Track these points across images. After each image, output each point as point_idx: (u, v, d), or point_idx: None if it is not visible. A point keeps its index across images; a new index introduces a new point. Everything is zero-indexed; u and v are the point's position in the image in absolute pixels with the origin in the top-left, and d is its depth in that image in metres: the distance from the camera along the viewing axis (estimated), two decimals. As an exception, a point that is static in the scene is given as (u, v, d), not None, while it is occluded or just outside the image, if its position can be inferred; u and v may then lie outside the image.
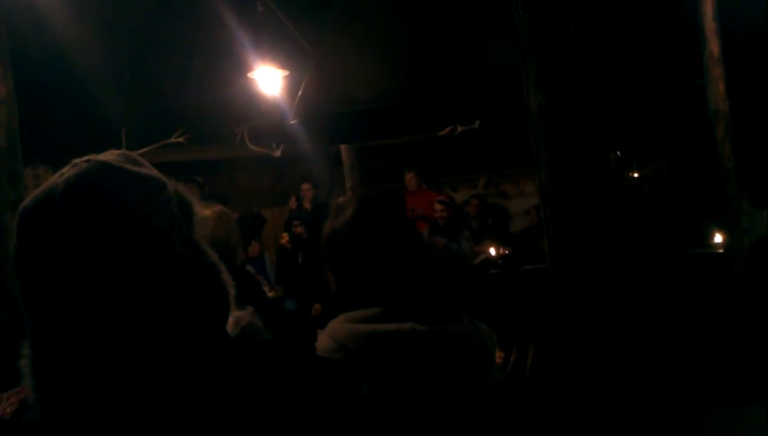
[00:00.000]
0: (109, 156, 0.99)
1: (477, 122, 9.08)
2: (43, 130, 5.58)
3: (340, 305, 1.54)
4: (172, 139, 8.38)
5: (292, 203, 8.84)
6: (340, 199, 1.69)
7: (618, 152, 9.87)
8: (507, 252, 7.08)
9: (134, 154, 1.03)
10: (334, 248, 1.61)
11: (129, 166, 0.98)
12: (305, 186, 8.66)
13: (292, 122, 8.30)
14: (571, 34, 3.46)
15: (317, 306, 7.35)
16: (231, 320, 1.07)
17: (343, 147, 9.14)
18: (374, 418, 1.32)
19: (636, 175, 10.56)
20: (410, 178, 8.81)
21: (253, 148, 9.11)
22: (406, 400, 1.40)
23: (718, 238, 6.23)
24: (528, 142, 3.76)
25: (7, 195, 4.28)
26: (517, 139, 9.06)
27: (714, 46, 5.26)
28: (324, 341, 1.47)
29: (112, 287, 0.90)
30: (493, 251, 7.07)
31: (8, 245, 4.23)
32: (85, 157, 0.98)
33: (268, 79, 6.84)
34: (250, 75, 6.78)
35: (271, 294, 6.60)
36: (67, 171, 0.96)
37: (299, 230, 7.86)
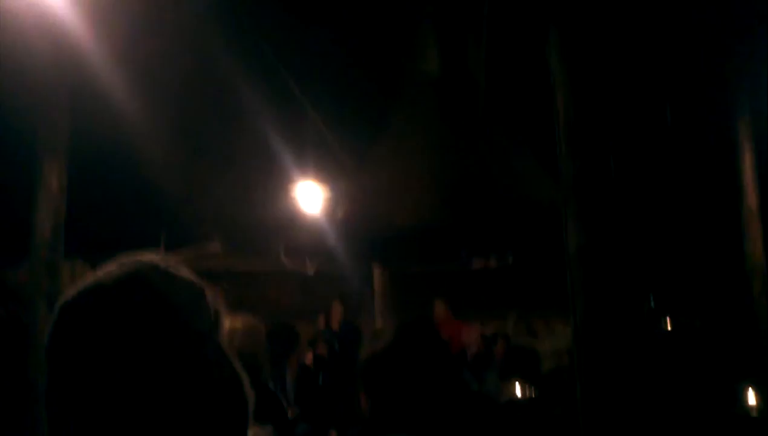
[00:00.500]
0: (153, 258, 1.01)
1: (510, 258, 9.07)
2: (83, 226, 5.68)
3: (372, 430, 1.52)
4: (208, 247, 8.48)
5: (321, 323, 8.80)
6: (378, 326, 1.71)
7: (651, 302, 9.70)
8: (534, 394, 6.87)
9: (173, 259, 1.04)
10: (370, 370, 1.61)
11: (172, 270, 1.00)
12: (336, 307, 8.64)
13: (329, 239, 8.38)
14: (613, 175, 3.47)
15: (333, 434, 7.14)
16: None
17: (376, 270, 9.16)
18: None
19: (669, 327, 10.33)
20: (440, 308, 8.73)
21: (287, 263, 9.17)
22: None
23: (752, 398, 6.00)
24: (560, 281, 3.71)
25: (43, 285, 4.36)
26: (550, 277, 9.04)
27: (752, 200, 5.21)
28: None
29: (146, 385, 0.89)
30: (519, 392, 6.88)
31: (39, 335, 4.28)
32: (131, 257, 1.00)
33: (309, 196, 6.97)
34: (290, 189, 6.92)
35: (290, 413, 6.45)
36: (112, 268, 0.97)
37: (322, 350, 7.77)
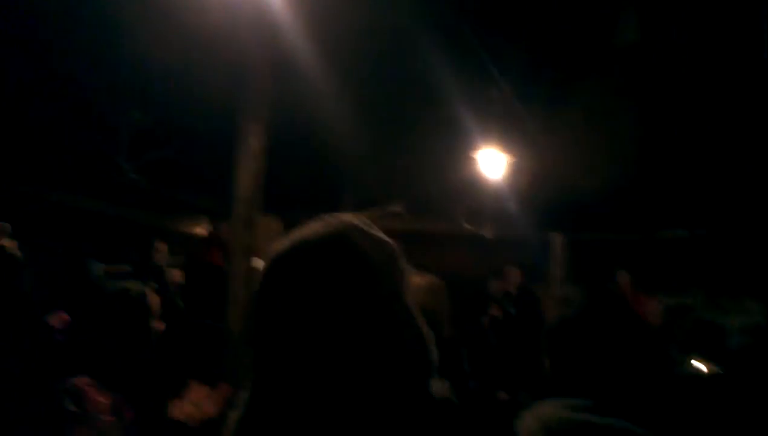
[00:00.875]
0: (353, 218, 1.08)
1: (702, 232, 8.62)
2: (275, 182, 6.07)
3: (552, 390, 1.54)
4: (392, 208, 8.73)
5: (498, 286, 8.83)
6: (568, 290, 1.70)
7: None
8: (717, 371, 6.56)
9: (368, 220, 1.10)
10: (558, 335, 1.63)
11: (370, 230, 1.06)
12: (513, 270, 8.62)
13: (510, 206, 8.35)
14: None
15: (503, 394, 7.18)
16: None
17: (554, 236, 9.04)
18: None
19: None
20: (624, 279, 8.47)
21: (467, 226, 9.25)
22: None
23: None
24: (756, 257, 3.52)
25: (242, 239, 4.72)
26: (744, 252, 8.48)
27: None
28: (529, 421, 1.47)
29: (343, 335, 0.96)
30: (702, 367, 6.59)
31: (237, 285, 4.64)
32: (333, 216, 1.08)
33: (491, 161, 6.99)
34: (473, 155, 6.95)
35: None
36: (318, 226, 1.05)
37: (497, 312, 7.80)
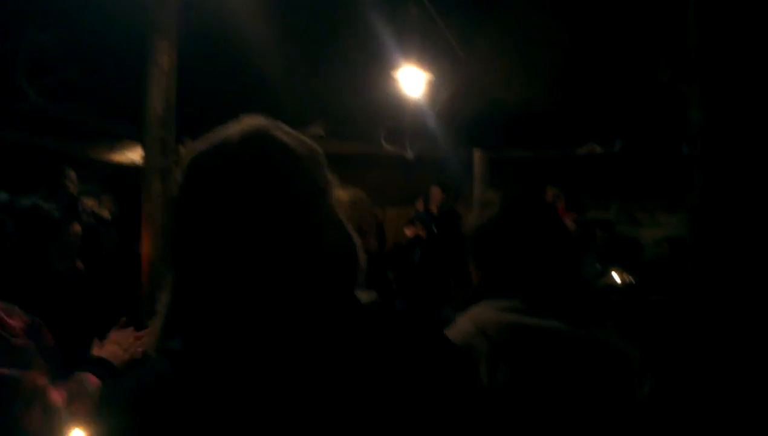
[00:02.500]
0: (273, 121, 1.05)
1: (618, 144, 8.81)
2: (192, 105, 5.86)
3: (482, 296, 1.53)
4: (311, 130, 8.60)
5: (419, 205, 8.88)
6: (488, 195, 1.68)
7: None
8: (632, 281, 6.83)
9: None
10: (481, 239, 1.60)
11: (292, 131, 1.05)
12: (435, 190, 8.67)
13: (430, 124, 8.33)
14: (744, 52, 3.26)
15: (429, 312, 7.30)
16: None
17: (476, 154, 9.09)
18: (502, 408, 1.30)
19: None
20: (551, 195, 8.63)
21: (388, 147, 9.22)
22: (540, 395, 1.37)
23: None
24: (670, 170, 3.59)
25: (156, 162, 4.55)
26: (657, 167, 8.75)
27: None
28: (464, 324, 1.47)
29: (266, 233, 0.93)
30: (617, 278, 6.84)
31: (152, 209, 4.50)
32: (250, 116, 1.05)
33: (411, 80, 6.90)
34: (393, 74, 6.86)
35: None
36: (236, 125, 1.02)
37: (420, 230, 7.87)
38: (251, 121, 1.03)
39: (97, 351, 2.27)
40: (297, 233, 0.95)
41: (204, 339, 0.95)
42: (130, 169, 10.01)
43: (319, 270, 0.97)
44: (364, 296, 1.60)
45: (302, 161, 1.00)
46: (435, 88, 7.40)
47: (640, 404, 1.50)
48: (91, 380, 2.11)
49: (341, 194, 2.72)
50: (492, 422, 1.07)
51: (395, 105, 7.78)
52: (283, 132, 1.03)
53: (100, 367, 2.20)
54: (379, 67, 7.15)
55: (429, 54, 6.85)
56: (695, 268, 3.23)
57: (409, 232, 8.01)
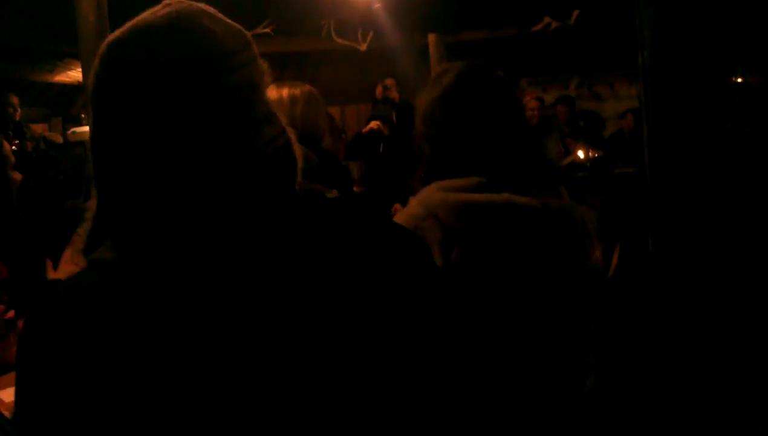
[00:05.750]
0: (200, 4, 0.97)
1: (573, 17, 8.62)
2: (129, 13, 5.61)
3: (434, 176, 1.48)
4: (259, 30, 8.33)
5: (379, 92, 8.71)
6: (440, 68, 1.61)
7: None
8: (597, 155, 6.84)
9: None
10: (432, 113, 1.54)
11: (223, 18, 0.97)
12: (389, 81, 8.49)
13: (379, 12, 8.08)
14: None
15: (397, 205, 7.26)
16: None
17: (431, 39, 8.89)
18: (459, 290, 1.27)
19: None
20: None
21: (339, 41, 8.97)
22: (498, 273, 1.34)
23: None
24: (627, 40, 3.52)
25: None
26: (615, 38, 8.63)
27: None
28: (413, 208, 1.43)
29: (195, 132, 0.87)
30: (581, 154, 6.85)
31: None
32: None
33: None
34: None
35: (355, 189, 6.55)
36: (160, 9, 0.93)
37: (379, 125, 7.72)
38: (176, 6, 0.93)
39: (52, 274, 2.20)
40: (230, 130, 0.89)
41: (133, 244, 0.89)
42: (77, 88, 9.67)
43: (255, 168, 0.91)
44: (327, 193, 1.51)
45: (232, 52, 0.92)
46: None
47: (593, 270, 1.50)
48: None
49: (293, 91, 2.63)
50: (448, 305, 1.02)
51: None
52: (214, 20, 0.94)
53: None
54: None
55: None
56: (651, 133, 3.22)
57: (372, 124, 7.86)
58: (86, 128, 8.29)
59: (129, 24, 0.93)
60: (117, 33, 0.92)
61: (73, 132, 8.97)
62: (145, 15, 0.93)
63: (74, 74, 9.45)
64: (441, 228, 1.36)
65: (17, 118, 6.80)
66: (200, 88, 0.87)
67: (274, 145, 0.95)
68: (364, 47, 9.03)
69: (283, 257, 0.88)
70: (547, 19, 8.67)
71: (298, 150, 1.00)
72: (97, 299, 0.87)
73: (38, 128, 8.49)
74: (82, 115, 9.90)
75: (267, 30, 8.27)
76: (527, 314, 1.36)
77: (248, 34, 0.99)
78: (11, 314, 2.02)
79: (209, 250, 0.87)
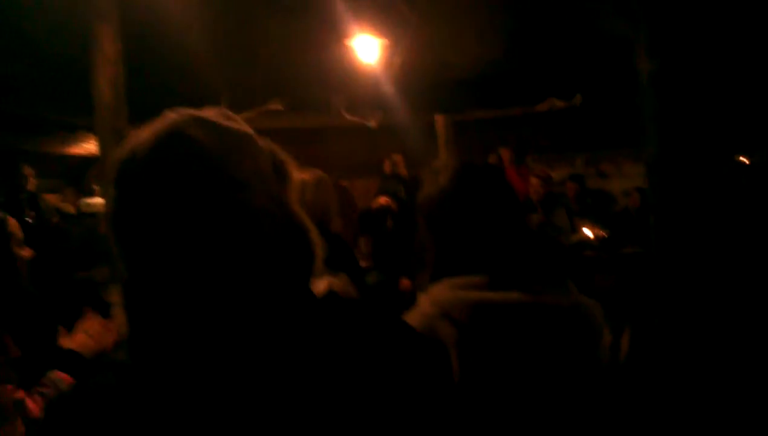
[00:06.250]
0: (203, 112, 1.02)
1: (578, 97, 8.79)
2: (146, 92, 5.73)
3: (441, 273, 1.49)
4: (270, 107, 8.49)
5: (387, 168, 8.81)
6: (438, 165, 1.64)
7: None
8: (604, 235, 6.85)
9: (230, 112, 1.04)
10: (433, 212, 1.57)
11: (218, 120, 1.00)
12: (397, 157, 8.61)
13: (389, 91, 8.24)
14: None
15: (406, 281, 7.25)
16: (323, 284, 1.04)
17: (438, 118, 9.04)
18: (471, 391, 1.27)
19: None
20: (504, 154, 8.63)
21: (349, 117, 9.13)
22: (511, 369, 1.35)
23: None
24: (631, 120, 3.58)
25: (111, 151, 4.45)
26: (619, 118, 8.76)
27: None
28: (426, 306, 1.44)
29: (195, 237, 0.90)
30: (589, 233, 6.86)
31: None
32: (173, 110, 1.01)
33: (366, 48, 6.81)
34: (347, 42, 6.76)
35: (363, 263, 6.56)
36: (155, 123, 0.99)
37: (388, 201, 7.79)
38: (164, 121, 0.98)
39: (65, 342, 2.21)
40: (227, 233, 0.91)
41: (148, 349, 0.92)
42: (90, 160, 9.81)
43: (262, 267, 0.93)
44: (333, 280, 1.53)
45: (221, 158, 0.95)
46: (390, 54, 7.33)
47: (604, 364, 1.50)
48: (63, 378, 2.06)
49: (303, 177, 2.68)
50: (463, 408, 1.03)
51: (352, 74, 7.69)
52: (201, 126, 0.97)
53: (70, 360, 2.14)
54: (333, 36, 7.04)
55: (382, 19, 6.76)
56: (658, 221, 3.24)
57: (381, 200, 7.92)
58: (98, 199, 8.38)
59: (129, 143, 0.98)
60: (125, 150, 0.97)
61: (86, 203, 9.06)
62: (136, 134, 0.99)
63: (88, 146, 9.59)
64: (455, 326, 1.37)
65: (32, 189, 6.90)
66: (189, 200, 0.91)
67: (282, 241, 0.96)
68: (373, 124, 9.18)
69: (296, 363, 0.89)
70: (552, 100, 8.83)
71: (317, 241, 1.01)
72: (110, 401, 0.90)
73: (51, 199, 8.57)
74: (95, 187, 10.02)
75: (278, 106, 8.43)
76: (540, 410, 1.36)
77: (247, 131, 1.02)
78: (20, 393, 2.01)
79: (223, 357, 0.88)
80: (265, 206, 0.96)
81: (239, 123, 1.03)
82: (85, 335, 2.23)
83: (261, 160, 1.01)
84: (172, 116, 0.99)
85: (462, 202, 1.53)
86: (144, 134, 0.97)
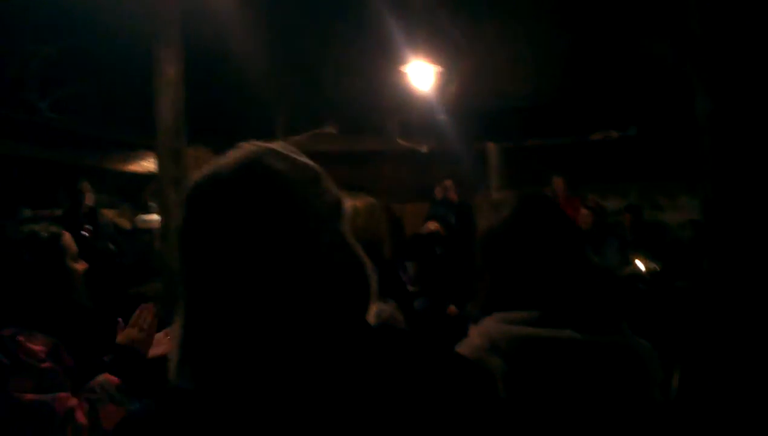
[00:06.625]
0: (271, 143, 1.04)
1: (633, 129, 8.70)
2: (204, 113, 5.86)
3: (494, 305, 1.49)
4: (324, 130, 8.60)
5: (438, 193, 8.81)
6: (498, 196, 1.64)
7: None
8: (657, 268, 6.72)
9: (292, 146, 1.06)
10: (492, 244, 1.56)
11: (293, 154, 1.03)
12: (448, 183, 8.61)
13: (442, 117, 8.28)
14: (745, 37, 3.20)
15: (452, 308, 7.22)
16: (373, 312, 1.06)
17: (490, 146, 9.03)
18: (519, 423, 1.27)
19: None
20: (558, 184, 8.54)
21: (402, 142, 9.18)
22: (559, 408, 1.34)
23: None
24: (687, 153, 3.53)
25: (169, 172, 4.56)
26: (674, 150, 8.63)
27: None
28: (476, 338, 1.44)
29: (267, 264, 0.92)
30: (642, 266, 6.74)
31: (169, 219, 4.54)
32: (250, 142, 1.03)
33: (421, 74, 6.87)
34: (402, 69, 6.82)
35: (410, 288, 6.55)
36: (234, 153, 1.01)
37: (437, 227, 7.78)
38: (246, 150, 1.02)
39: (119, 338, 2.29)
40: (296, 262, 0.94)
41: (212, 373, 0.94)
42: (147, 177, 10.03)
43: (326, 298, 0.95)
44: (382, 307, 1.55)
45: (297, 189, 0.98)
46: (445, 81, 7.37)
47: (657, 405, 1.47)
48: (111, 381, 2.13)
49: (355, 204, 2.72)
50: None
51: (407, 99, 7.75)
52: (279, 157, 1.01)
53: (122, 357, 2.21)
54: (388, 62, 7.12)
55: (437, 46, 6.81)
56: (713, 258, 3.19)
57: (430, 225, 7.92)
58: (154, 216, 8.57)
59: (204, 170, 1.01)
60: (199, 177, 1.00)
61: (142, 219, 9.27)
62: (217, 162, 1.01)
63: (146, 164, 9.82)
64: (504, 360, 1.37)
65: (90, 204, 7.09)
66: (265, 229, 0.93)
67: (344, 273, 0.99)
68: (425, 149, 9.22)
69: (355, 394, 0.91)
70: (606, 130, 8.76)
71: (372, 273, 1.04)
72: (173, 425, 0.93)
73: (108, 214, 8.78)
74: (150, 203, 10.24)
75: (332, 130, 8.54)
76: None
77: (317, 166, 1.05)
78: (73, 401, 2.07)
79: (283, 387, 0.90)
80: (333, 240, 1.00)
81: (305, 158, 1.06)
82: (135, 328, 2.30)
83: (329, 196, 1.03)
84: (249, 147, 1.02)
85: (524, 235, 1.52)
86: (224, 161, 1.00)
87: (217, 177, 0.98)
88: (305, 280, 0.94)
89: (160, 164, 4.68)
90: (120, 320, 2.33)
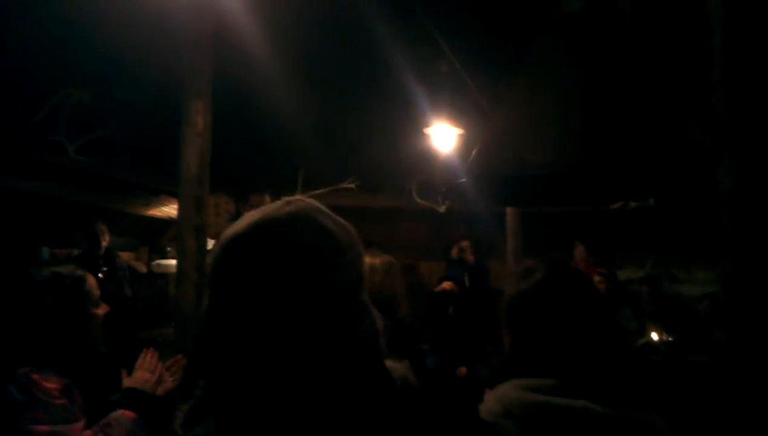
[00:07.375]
0: (314, 200, 1.06)
1: (652, 200, 8.70)
2: (227, 162, 5.94)
3: (512, 370, 1.50)
4: (344, 185, 8.69)
5: (454, 253, 8.82)
6: (529, 262, 1.65)
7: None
8: (670, 339, 6.66)
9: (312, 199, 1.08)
10: (519, 309, 1.58)
11: (332, 213, 1.04)
12: (465, 244, 8.62)
13: (462, 181, 8.33)
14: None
15: (463, 369, 7.18)
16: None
17: (508, 210, 9.06)
18: None
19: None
20: (580, 251, 8.52)
21: (420, 201, 9.24)
22: None
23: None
24: (704, 226, 3.54)
25: (191, 219, 4.61)
26: (692, 223, 8.63)
27: None
28: (491, 403, 1.44)
29: (304, 323, 0.92)
30: (655, 336, 6.68)
31: (186, 264, 4.57)
32: (296, 198, 1.05)
33: (442, 136, 6.95)
34: (425, 130, 6.91)
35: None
36: (278, 205, 1.02)
37: (452, 286, 7.78)
38: (297, 204, 1.03)
39: (126, 382, 2.30)
40: (336, 322, 0.94)
41: (235, 422, 0.94)
42: (167, 223, 10.14)
43: (354, 359, 0.96)
44: (395, 365, 1.59)
45: (346, 250, 1.00)
46: (465, 143, 7.45)
47: None
48: (126, 415, 2.16)
49: (373, 262, 2.75)
50: None
51: (427, 159, 7.83)
52: (327, 216, 1.02)
53: (133, 397, 2.24)
54: (410, 122, 7.22)
55: (459, 109, 6.91)
56: (731, 335, 3.17)
57: (445, 285, 7.93)
58: (171, 261, 8.64)
59: (252, 217, 1.00)
60: (240, 225, 1.00)
61: (158, 264, 9.35)
62: (268, 210, 1.01)
63: (167, 209, 9.95)
64: (519, 426, 1.38)
65: (106, 245, 7.16)
66: (316, 282, 0.93)
67: (368, 335, 1.00)
68: (442, 209, 9.27)
69: None
70: (625, 200, 8.76)
71: (382, 339, 1.05)
72: None
73: (125, 256, 8.86)
74: (168, 249, 10.33)
75: (351, 185, 8.62)
76: None
77: (353, 231, 1.06)
78: (87, 434, 2.10)
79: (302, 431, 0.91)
80: (365, 301, 1.02)
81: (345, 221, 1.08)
82: (143, 371, 2.33)
83: (362, 260, 1.05)
84: (298, 202, 1.03)
85: (553, 302, 1.53)
86: (271, 214, 1.00)
87: (269, 225, 0.98)
88: (337, 340, 0.94)
89: (182, 211, 4.72)
90: (124, 371, 2.36)
